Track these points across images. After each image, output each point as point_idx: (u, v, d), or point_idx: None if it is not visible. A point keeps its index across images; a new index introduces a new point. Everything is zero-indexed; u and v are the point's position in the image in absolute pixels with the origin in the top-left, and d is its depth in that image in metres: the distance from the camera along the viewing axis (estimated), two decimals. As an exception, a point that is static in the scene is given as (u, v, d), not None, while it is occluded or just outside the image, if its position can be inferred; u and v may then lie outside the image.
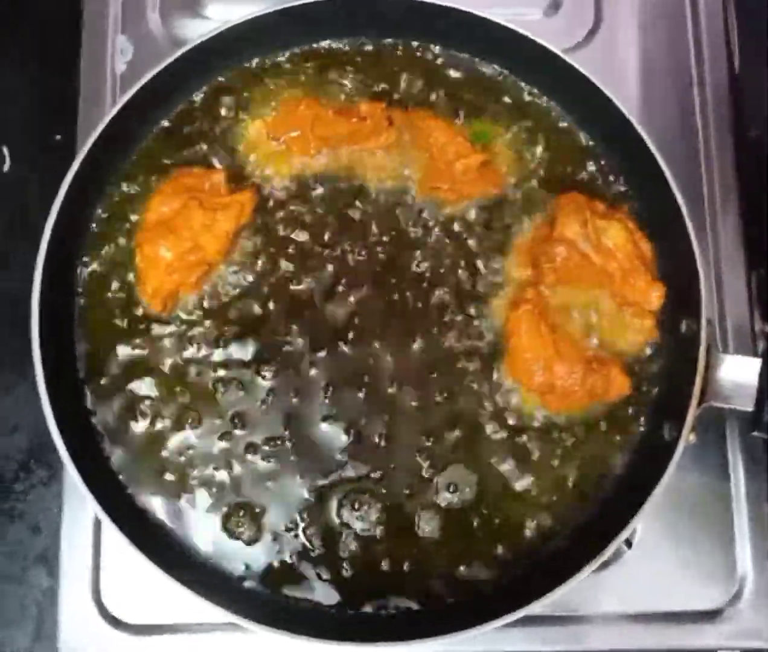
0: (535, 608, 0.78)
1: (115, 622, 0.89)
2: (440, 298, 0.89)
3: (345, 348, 0.87)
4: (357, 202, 0.91)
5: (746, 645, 0.92)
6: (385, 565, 0.84)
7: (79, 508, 0.90)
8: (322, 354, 0.87)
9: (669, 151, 0.91)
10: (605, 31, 1.06)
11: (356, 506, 0.84)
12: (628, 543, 0.91)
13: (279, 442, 0.85)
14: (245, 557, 0.84)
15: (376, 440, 0.86)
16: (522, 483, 0.85)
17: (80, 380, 0.86)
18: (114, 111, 0.86)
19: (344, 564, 0.84)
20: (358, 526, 0.84)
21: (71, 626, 0.89)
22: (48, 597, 0.90)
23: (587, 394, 0.85)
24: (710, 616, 0.92)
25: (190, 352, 0.87)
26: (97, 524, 0.90)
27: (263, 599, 0.83)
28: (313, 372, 0.87)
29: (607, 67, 1.04)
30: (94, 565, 0.90)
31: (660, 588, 0.91)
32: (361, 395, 0.86)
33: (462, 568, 0.84)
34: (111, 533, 0.78)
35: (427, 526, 0.84)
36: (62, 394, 0.82)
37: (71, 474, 0.79)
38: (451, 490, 0.85)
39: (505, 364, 0.87)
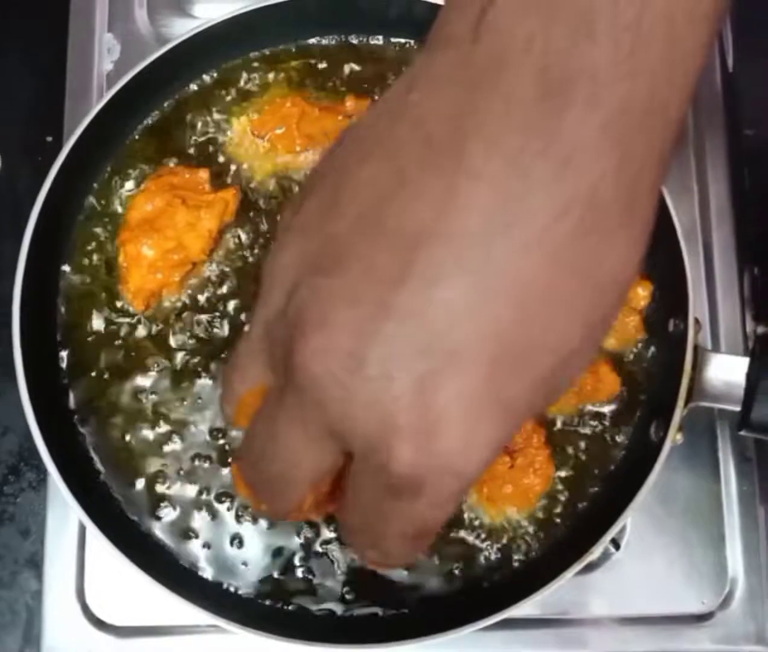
0: (520, 610, 0.77)
1: (100, 624, 0.89)
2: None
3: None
4: (343, 201, 0.90)
5: (737, 649, 0.91)
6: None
7: (64, 510, 0.89)
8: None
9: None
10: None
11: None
12: (616, 545, 0.90)
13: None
14: (233, 562, 0.83)
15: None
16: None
17: (63, 381, 0.85)
18: (99, 106, 0.86)
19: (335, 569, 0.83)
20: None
21: (56, 628, 0.89)
22: (37, 601, 0.90)
23: (575, 393, 0.84)
24: (700, 619, 0.91)
25: (173, 352, 0.86)
26: (82, 527, 0.89)
27: (249, 603, 0.82)
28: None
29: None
30: (79, 567, 0.90)
31: (649, 591, 0.91)
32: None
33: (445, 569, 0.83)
34: (95, 537, 0.78)
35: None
36: (45, 396, 0.82)
37: (53, 475, 0.78)
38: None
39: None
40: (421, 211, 0.45)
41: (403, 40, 0.94)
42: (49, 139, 1.00)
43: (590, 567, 0.90)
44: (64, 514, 0.90)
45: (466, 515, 0.83)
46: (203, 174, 0.88)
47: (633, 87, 0.43)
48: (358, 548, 0.56)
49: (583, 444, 0.85)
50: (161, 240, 0.84)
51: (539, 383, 0.45)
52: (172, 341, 0.86)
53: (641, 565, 0.91)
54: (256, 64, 0.93)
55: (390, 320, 0.43)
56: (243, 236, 0.89)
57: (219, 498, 0.84)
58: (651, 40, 0.43)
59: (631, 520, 0.92)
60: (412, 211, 0.46)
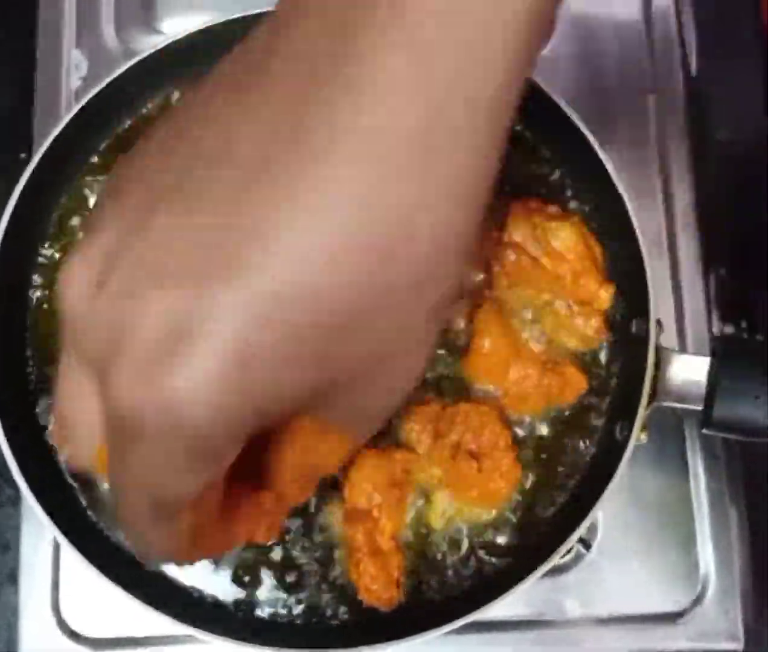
0: (494, 612, 0.77)
1: (76, 636, 0.89)
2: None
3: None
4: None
5: (710, 647, 0.92)
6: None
7: (39, 524, 0.87)
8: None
9: (622, 155, 0.91)
10: (554, 38, 1.06)
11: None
12: (587, 545, 0.91)
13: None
14: (204, 573, 0.82)
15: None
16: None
17: (32, 394, 0.85)
18: (65, 121, 0.86)
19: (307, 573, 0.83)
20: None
21: (32, 642, 0.89)
22: (17, 616, 0.90)
23: (543, 396, 0.85)
24: (673, 618, 0.92)
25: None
26: (57, 541, 0.87)
27: (225, 612, 0.82)
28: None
29: (557, 74, 1.04)
30: (54, 580, 0.90)
31: (622, 591, 0.92)
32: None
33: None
34: (68, 551, 0.78)
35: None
36: (15, 410, 0.82)
37: (23, 490, 0.78)
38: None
39: (467, 365, 0.86)
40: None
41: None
42: (23, 155, 1.00)
43: (564, 568, 0.92)
44: (39, 528, 0.90)
45: (432, 519, 0.83)
46: (170, 187, 0.88)
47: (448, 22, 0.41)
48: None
49: (550, 446, 0.85)
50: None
51: (317, 355, 0.41)
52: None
53: (614, 565, 0.92)
54: (221, 78, 0.94)
55: (143, 241, 0.40)
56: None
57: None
58: None
59: (602, 521, 0.93)
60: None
